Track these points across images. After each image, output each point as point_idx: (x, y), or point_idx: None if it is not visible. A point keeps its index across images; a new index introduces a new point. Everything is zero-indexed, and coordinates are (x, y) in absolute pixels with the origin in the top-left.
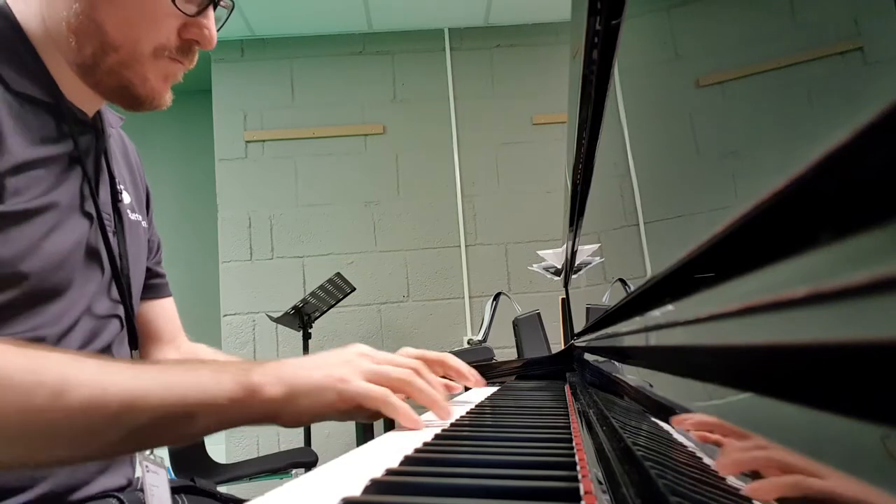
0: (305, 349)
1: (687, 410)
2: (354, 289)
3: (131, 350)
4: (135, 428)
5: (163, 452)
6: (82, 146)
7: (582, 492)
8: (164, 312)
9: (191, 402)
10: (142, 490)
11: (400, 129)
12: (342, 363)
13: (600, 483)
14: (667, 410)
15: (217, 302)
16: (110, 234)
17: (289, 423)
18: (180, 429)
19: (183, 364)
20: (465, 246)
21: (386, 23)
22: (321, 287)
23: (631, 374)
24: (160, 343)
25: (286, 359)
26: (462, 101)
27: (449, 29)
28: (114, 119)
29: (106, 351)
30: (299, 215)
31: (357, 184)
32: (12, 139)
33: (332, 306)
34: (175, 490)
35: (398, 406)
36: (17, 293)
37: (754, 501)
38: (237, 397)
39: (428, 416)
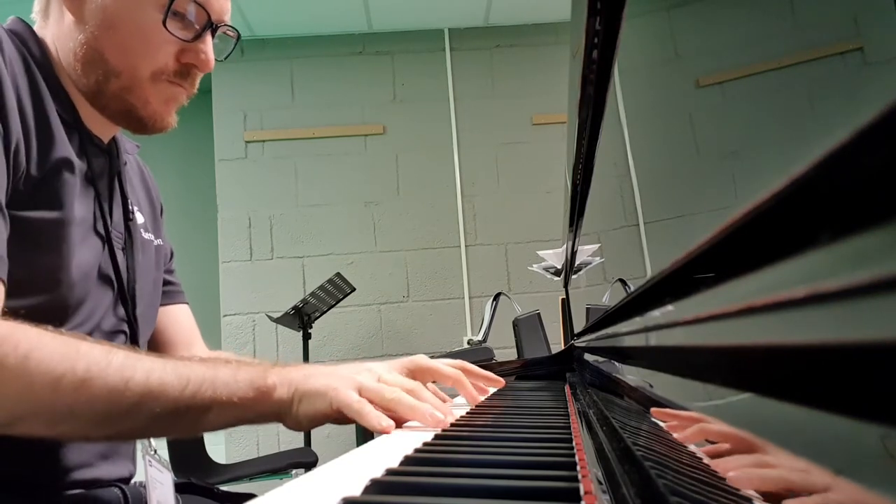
0: (305, 349)
1: (687, 410)
2: (354, 289)
3: None
4: (152, 416)
5: (163, 453)
6: (96, 168)
7: (582, 492)
8: (176, 319)
9: (206, 397)
10: (143, 486)
11: (400, 129)
12: (345, 376)
13: (600, 483)
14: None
15: (217, 302)
16: (119, 251)
17: (291, 426)
18: (194, 420)
19: (205, 362)
20: (465, 246)
21: (386, 23)
22: (321, 287)
23: (631, 374)
24: (174, 350)
25: (304, 365)
26: (462, 101)
27: (449, 29)
28: (130, 147)
29: None
30: (299, 215)
31: (357, 184)
32: (58, 136)
33: (332, 306)
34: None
35: (367, 413)
36: (48, 299)
37: (754, 501)
38: (249, 397)
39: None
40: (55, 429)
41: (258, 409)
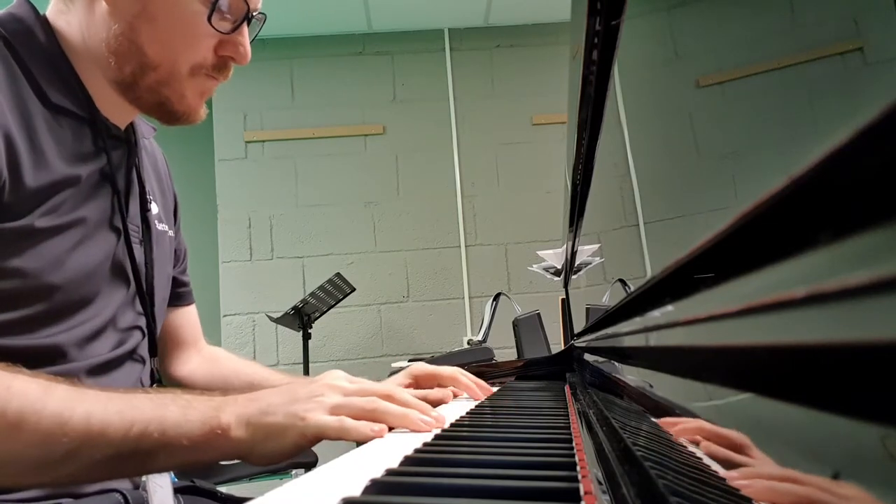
0: (305, 350)
1: (687, 411)
2: (354, 289)
3: (150, 357)
4: (92, 462)
5: None
6: (115, 161)
7: (582, 492)
8: (188, 320)
9: (153, 440)
10: (145, 490)
11: (400, 129)
12: (308, 398)
13: (600, 483)
14: (667, 411)
15: (217, 302)
16: (136, 245)
17: (257, 463)
18: (141, 464)
19: (153, 399)
20: (465, 246)
21: (386, 23)
22: (321, 287)
23: (631, 375)
24: (183, 348)
25: (260, 392)
26: (462, 101)
27: (449, 29)
28: (146, 130)
29: (129, 356)
30: (299, 215)
31: (357, 184)
32: (51, 154)
33: (332, 307)
34: (175, 490)
35: (352, 428)
36: (47, 304)
37: (754, 501)
38: (201, 438)
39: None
40: None
41: (212, 451)
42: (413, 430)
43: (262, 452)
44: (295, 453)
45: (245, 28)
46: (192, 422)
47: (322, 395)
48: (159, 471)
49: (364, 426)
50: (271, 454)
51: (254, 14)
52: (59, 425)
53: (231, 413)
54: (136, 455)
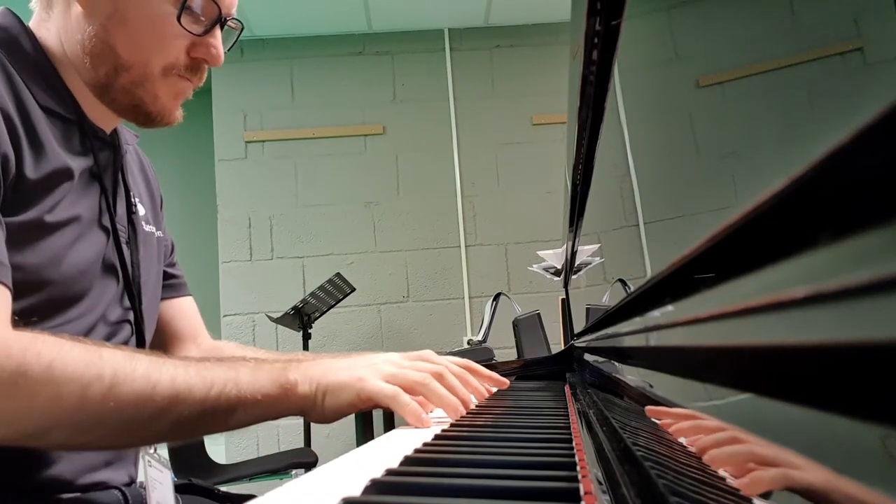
0: (305, 350)
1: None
2: (354, 289)
3: None
4: (179, 420)
5: (163, 452)
6: (101, 162)
7: (582, 492)
8: (182, 311)
9: (231, 397)
10: (143, 488)
11: (400, 129)
12: (367, 366)
13: (600, 483)
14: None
15: (217, 302)
16: (124, 245)
17: (316, 419)
18: (221, 421)
19: (225, 362)
20: (465, 246)
21: (386, 23)
22: (321, 287)
23: (631, 375)
24: (180, 341)
25: (321, 357)
26: (462, 102)
27: (449, 29)
28: (129, 137)
29: None
30: (299, 215)
31: (357, 184)
32: (48, 148)
33: (332, 307)
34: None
35: (406, 403)
36: (43, 298)
37: (754, 501)
38: (272, 394)
39: (440, 412)
40: (82, 437)
41: (282, 406)
42: (446, 414)
43: (321, 409)
44: (349, 412)
45: (217, 31)
46: (263, 380)
47: (379, 364)
48: (234, 428)
49: (414, 409)
50: (328, 409)
51: (227, 18)
52: (149, 386)
53: (297, 372)
54: (216, 412)
